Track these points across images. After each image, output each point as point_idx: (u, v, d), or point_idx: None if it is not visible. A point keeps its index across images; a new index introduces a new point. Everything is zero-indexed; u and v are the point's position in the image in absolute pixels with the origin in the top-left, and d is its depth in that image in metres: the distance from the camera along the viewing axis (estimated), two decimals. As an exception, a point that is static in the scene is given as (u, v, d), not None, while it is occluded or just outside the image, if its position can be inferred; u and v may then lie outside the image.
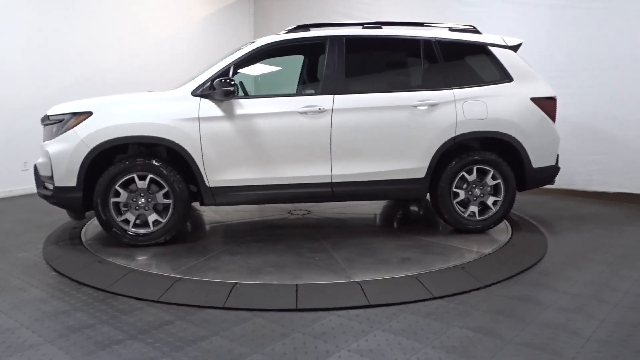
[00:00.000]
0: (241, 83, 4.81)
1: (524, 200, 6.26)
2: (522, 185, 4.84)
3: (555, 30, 6.65)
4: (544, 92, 4.75)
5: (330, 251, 4.19)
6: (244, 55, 4.44)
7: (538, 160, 4.72)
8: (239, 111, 4.29)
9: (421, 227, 5.11)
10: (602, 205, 6.17)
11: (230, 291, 3.33)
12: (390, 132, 4.46)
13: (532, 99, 4.66)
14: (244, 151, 4.31)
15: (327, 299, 3.24)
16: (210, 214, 5.68)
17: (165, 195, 4.32)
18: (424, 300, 3.24)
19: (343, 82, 4.45)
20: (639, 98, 6.07)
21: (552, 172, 4.87)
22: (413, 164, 4.50)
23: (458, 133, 4.51)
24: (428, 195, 4.72)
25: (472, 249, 4.25)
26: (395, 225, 5.43)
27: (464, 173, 4.62)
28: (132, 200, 4.28)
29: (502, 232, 4.82)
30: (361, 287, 3.39)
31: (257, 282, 3.49)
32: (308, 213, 5.50)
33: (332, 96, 4.40)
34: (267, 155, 4.35)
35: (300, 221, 5.30)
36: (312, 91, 4.65)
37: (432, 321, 2.95)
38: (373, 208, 5.88)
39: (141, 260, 4.02)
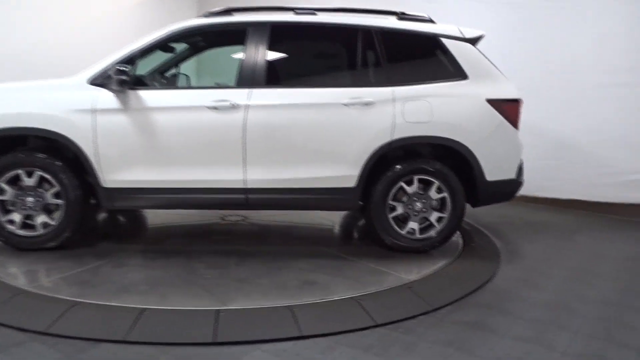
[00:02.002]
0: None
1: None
2: (474, 201, 4.17)
3: (507, 29, 6.11)
4: (504, 93, 4.07)
5: (231, 267, 3.64)
6: (152, 41, 3.91)
7: (493, 172, 4.04)
8: (139, 104, 3.78)
9: (367, 243, 4.48)
10: (554, 213, 5.86)
11: (137, 319, 2.80)
12: (316, 133, 3.87)
13: (489, 101, 3.98)
14: (145, 149, 3.80)
15: (253, 329, 2.76)
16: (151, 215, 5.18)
17: (57, 195, 3.84)
18: (364, 329, 2.79)
19: (263, 74, 3.87)
20: (590, 103, 5.75)
21: (511, 187, 4.18)
22: (341, 171, 3.90)
23: (395, 137, 3.88)
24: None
25: (412, 270, 3.72)
26: (337, 236, 4.84)
27: (402, 184, 3.98)
28: (19, 198, 3.82)
29: (453, 242, 4.30)
30: (293, 313, 2.90)
31: (171, 308, 2.96)
32: (243, 219, 4.95)
33: (248, 90, 3.83)
34: (171, 154, 3.82)
35: (227, 229, 4.75)
36: (229, 84, 4.06)
37: (372, 358, 2.48)
38: (332, 215, 5.25)
39: (30, 274, 3.54)
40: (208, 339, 2.64)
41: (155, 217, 5.08)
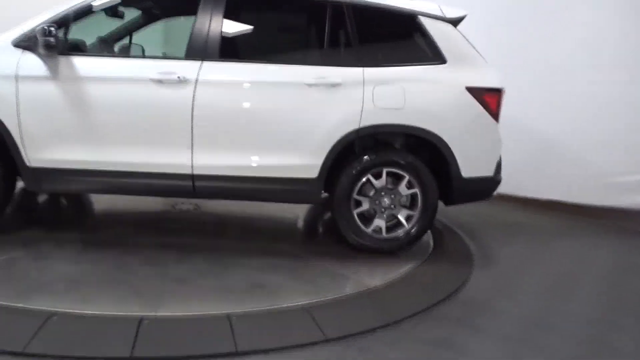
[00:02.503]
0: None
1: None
2: (448, 199, 3.78)
3: (493, 15, 5.72)
4: (486, 81, 3.67)
5: (170, 264, 3.19)
6: (90, 1, 3.39)
7: (470, 168, 3.66)
8: (71, 72, 3.29)
9: (332, 241, 4.06)
10: (531, 213, 5.45)
11: (42, 326, 2.34)
12: (274, 115, 3.43)
13: (469, 89, 3.59)
14: (77, 125, 3.31)
15: (179, 342, 2.32)
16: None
17: (-27, 174, 3.33)
18: (313, 344, 2.41)
19: (217, 46, 3.40)
20: (578, 101, 5.39)
21: (488, 185, 3.80)
22: (302, 160, 3.47)
23: (363, 125, 3.46)
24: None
25: (375, 274, 3.30)
26: (300, 232, 4.43)
27: (369, 177, 3.57)
28: None
29: (423, 243, 3.91)
30: (230, 323, 2.48)
31: (85, 313, 2.49)
32: (195, 208, 4.48)
33: (199, 62, 3.36)
34: (108, 132, 3.35)
35: (175, 218, 4.29)
36: (178, 55, 3.57)
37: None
38: (296, 207, 4.79)
39: None
40: (124, 353, 2.20)
41: (99, 202, 4.58)
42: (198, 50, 3.39)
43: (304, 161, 3.47)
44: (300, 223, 4.60)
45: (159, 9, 4.09)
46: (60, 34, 3.30)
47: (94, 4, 3.41)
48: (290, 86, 3.42)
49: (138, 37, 4.05)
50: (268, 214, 4.54)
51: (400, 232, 3.68)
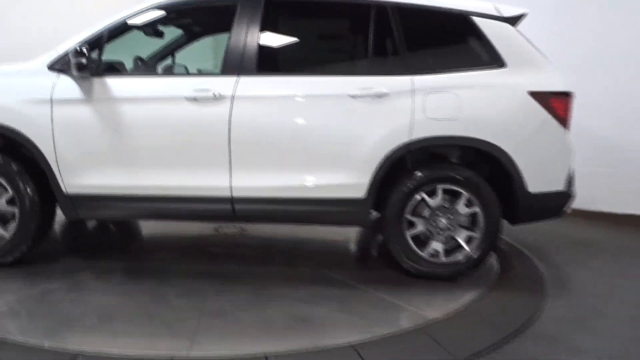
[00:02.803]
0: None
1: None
2: (513, 217, 3.39)
3: (561, 21, 5.28)
4: (551, 84, 3.28)
5: (209, 296, 2.96)
6: (121, 19, 3.27)
7: (537, 182, 3.26)
8: (105, 94, 3.16)
9: (385, 266, 3.74)
10: (607, 230, 4.91)
11: None
12: (315, 131, 3.17)
13: (533, 94, 3.20)
14: (112, 148, 3.18)
15: None
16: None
17: (12, 202, 3.24)
18: None
19: (254, 59, 3.19)
20: None
21: (558, 200, 3.38)
22: (348, 179, 3.18)
23: (414, 138, 3.15)
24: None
25: (433, 304, 2.93)
26: (351, 256, 4.12)
27: (423, 195, 3.23)
28: (-33, 206, 3.24)
29: (487, 267, 3.54)
30: None
31: (112, 353, 2.29)
32: (241, 232, 4.26)
33: (235, 77, 3.16)
34: (143, 155, 3.20)
35: (218, 243, 4.08)
36: (213, 70, 3.39)
37: None
38: (347, 228, 4.49)
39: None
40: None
41: (144, 226, 4.45)
42: (234, 65, 3.19)
43: (350, 180, 3.18)
44: (352, 246, 4.30)
45: (198, 26, 3.93)
46: (95, 54, 3.18)
47: (130, 21, 3.27)
48: (332, 99, 3.16)
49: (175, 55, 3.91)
50: (317, 237, 4.27)
51: (460, 256, 3.31)
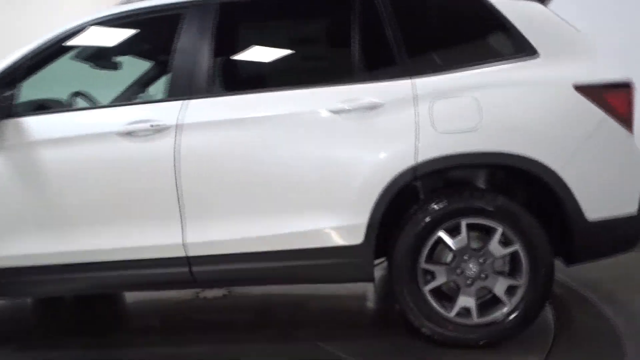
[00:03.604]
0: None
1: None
2: (569, 254, 2.49)
3: None
4: (604, 73, 2.42)
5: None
6: (41, 46, 2.60)
7: (598, 206, 2.39)
8: (17, 138, 2.47)
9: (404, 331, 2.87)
10: None
11: None
12: (290, 161, 2.40)
13: (579, 89, 2.35)
14: (30, 207, 2.46)
15: None
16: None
17: None
18: None
19: (205, 77, 2.47)
20: None
21: (630, 227, 2.47)
22: (337, 221, 2.39)
23: (422, 159, 2.34)
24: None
25: None
26: (361, 319, 3.28)
27: (442, 234, 2.39)
28: None
29: (539, 325, 2.57)
30: None
31: None
32: (226, 293, 3.47)
33: (181, 102, 2.43)
34: (71, 211, 2.47)
35: (200, 308, 3.30)
36: (154, 96, 2.68)
37: None
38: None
39: None
40: None
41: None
42: (181, 86, 2.47)
43: (340, 222, 2.38)
44: (366, 304, 3.44)
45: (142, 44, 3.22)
46: (9, 90, 2.52)
47: (47, 46, 2.60)
48: (307, 117, 2.39)
49: (104, 82, 3.18)
50: (320, 294, 3.42)
51: (499, 314, 2.44)
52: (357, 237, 2.40)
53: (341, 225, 2.39)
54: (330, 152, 2.38)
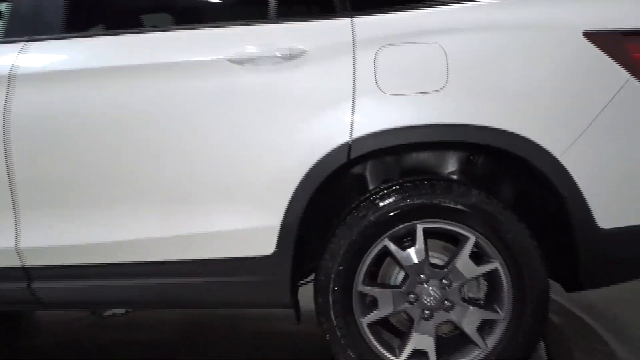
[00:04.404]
0: None
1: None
2: (570, 277, 1.74)
3: None
4: (626, 16, 1.65)
5: None
6: None
7: (615, 209, 1.64)
8: None
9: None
10: None
11: None
12: (169, 132, 1.64)
13: (591, 35, 1.58)
14: None
15: None
16: None
17: None
18: None
19: (56, 9, 1.71)
20: None
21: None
22: (238, 221, 1.63)
23: (361, 133, 1.59)
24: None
25: None
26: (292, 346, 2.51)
27: (387, 243, 1.63)
28: None
29: None
30: None
31: None
32: (125, 314, 2.70)
33: (19, 45, 1.68)
34: None
35: (95, 333, 2.54)
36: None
37: None
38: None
39: None
40: None
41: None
42: (21, 24, 1.72)
43: (244, 223, 1.63)
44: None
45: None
46: None
47: None
48: (196, 69, 1.64)
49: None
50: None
51: (471, 357, 1.67)
52: (266, 246, 1.65)
53: (243, 227, 1.65)
54: (227, 121, 1.63)
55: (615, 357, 2.07)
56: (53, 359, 2.24)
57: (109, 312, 2.65)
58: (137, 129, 1.65)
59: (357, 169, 1.87)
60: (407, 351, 1.69)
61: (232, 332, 2.49)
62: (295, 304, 1.78)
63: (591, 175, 1.62)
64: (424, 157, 1.87)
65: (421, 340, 1.68)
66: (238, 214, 1.64)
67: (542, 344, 2.10)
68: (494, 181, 1.85)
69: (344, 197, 1.85)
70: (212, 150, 1.64)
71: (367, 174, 1.90)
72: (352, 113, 1.60)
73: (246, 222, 1.64)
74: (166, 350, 2.27)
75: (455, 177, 1.87)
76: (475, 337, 1.67)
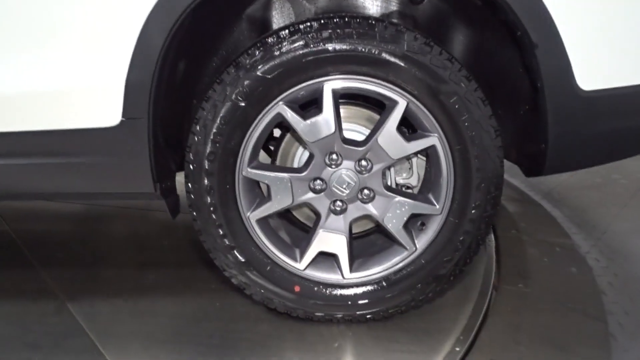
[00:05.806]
0: None
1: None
2: (534, 159, 1.30)
3: None
4: None
5: None
6: None
7: (603, 64, 1.13)
8: None
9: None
10: None
11: None
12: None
13: None
14: None
15: None
16: None
17: None
18: None
19: None
20: None
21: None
22: (74, 76, 1.11)
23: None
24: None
25: None
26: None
27: (282, 109, 1.14)
28: None
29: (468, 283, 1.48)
30: None
31: None
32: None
33: None
34: None
35: None
36: None
37: None
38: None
39: None
40: None
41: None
42: None
43: (81, 79, 1.10)
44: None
45: None
46: None
47: None
48: None
49: None
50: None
51: (391, 265, 1.27)
52: (108, 113, 1.14)
53: (74, 87, 1.12)
54: None
55: (575, 251, 1.70)
56: None
57: None
58: None
59: (255, 10, 1.33)
60: (311, 254, 1.26)
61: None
62: (167, 194, 1.31)
63: (577, 18, 1.12)
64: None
65: (329, 240, 1.26)
66: (70, 69, 1.11)
67: (491, 237, 1.71)
68: (441, 27, 1.33)
69: (236, 49, 1.33)
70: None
71: (272, 18, 1.37)
72: None
73: (85, 79, 1.12)
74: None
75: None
76: (401, 235, 1.25)
